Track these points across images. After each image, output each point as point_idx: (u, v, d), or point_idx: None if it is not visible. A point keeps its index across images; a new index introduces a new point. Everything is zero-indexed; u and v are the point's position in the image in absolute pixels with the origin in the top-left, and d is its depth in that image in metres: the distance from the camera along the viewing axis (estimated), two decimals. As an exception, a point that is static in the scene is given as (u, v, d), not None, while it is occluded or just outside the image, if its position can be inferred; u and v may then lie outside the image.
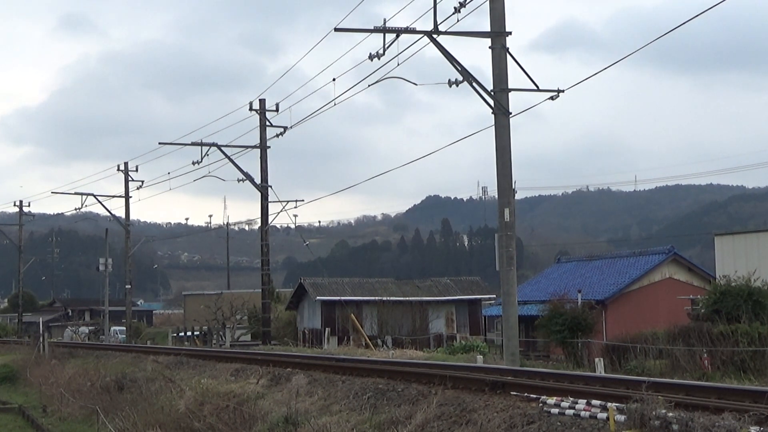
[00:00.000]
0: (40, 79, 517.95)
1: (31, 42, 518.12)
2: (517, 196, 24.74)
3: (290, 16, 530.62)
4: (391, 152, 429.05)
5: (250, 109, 40.95)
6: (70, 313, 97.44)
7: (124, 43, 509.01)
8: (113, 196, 58.07)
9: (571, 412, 11.12)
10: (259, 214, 42.38)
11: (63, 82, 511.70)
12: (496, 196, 23.73)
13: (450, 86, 22.72)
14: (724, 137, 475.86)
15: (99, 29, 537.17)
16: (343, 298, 49.95)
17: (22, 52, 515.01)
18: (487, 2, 22.80)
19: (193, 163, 42.34)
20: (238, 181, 41.41)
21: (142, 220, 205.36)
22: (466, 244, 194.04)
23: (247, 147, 41.86)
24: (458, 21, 22.28)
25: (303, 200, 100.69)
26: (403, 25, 23.16)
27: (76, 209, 64.62)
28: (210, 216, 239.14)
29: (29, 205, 76.62)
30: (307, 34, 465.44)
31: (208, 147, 41.34)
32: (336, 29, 23.37)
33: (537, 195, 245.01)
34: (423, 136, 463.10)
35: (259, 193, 41.54)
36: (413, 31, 22.92)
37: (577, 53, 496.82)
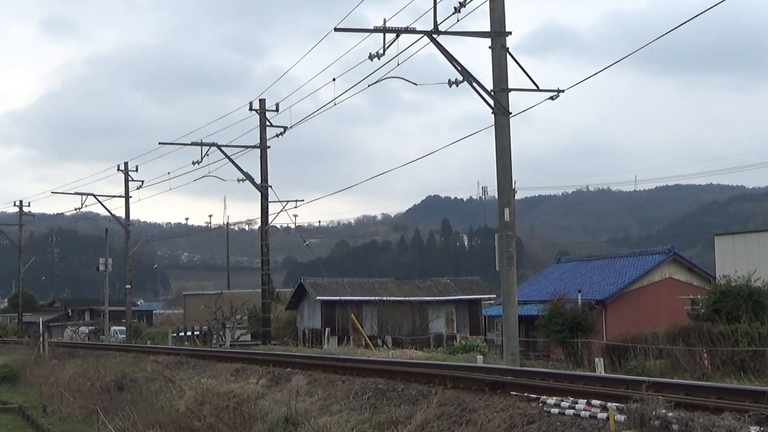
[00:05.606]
0: (27, 81, 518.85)
1: (18, 45, 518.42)
2: (517, 196, 24.72)
3: (271, 18, 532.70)
4: (384, 152, 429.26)
5: (250, 109, 41.00)
6: (70, 313, 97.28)
7: (110, 46, 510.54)
8: (113, 196, 58.14)
9: (571, 412, 11.11)
10: (259, 214, 42.42)
11: (51, 84, 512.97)
12: (496, 196, 23.72)
13: (450, 86, 22.73)
14: (713, 138, 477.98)
15: (84, 33, 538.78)
16: (343, 298, 49.93)
17: (10, 54, 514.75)
18: (487, 2, 22.80)
19: (193, 163, 42.40)
20: (238, 181, 41.46)
21: (142, 220, 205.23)
22: (466, 244, 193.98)
23: (247, 147, 41.89)
24: (458, 21, 22.32)
25: (303, 200, 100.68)
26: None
27: (76, 209, 64.74)
28: (210, 216, 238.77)
29: (29, 205, 76.84)
30: (290, 36, 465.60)
31: (207, 147, 41.40)
32: (336, 29, 23.38)
33: (537, 195, 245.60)
34: (412, 136, 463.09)
35: (259, 193, 41.55)
36: (413, 31, 22.90)
37: (560, 56, 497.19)
